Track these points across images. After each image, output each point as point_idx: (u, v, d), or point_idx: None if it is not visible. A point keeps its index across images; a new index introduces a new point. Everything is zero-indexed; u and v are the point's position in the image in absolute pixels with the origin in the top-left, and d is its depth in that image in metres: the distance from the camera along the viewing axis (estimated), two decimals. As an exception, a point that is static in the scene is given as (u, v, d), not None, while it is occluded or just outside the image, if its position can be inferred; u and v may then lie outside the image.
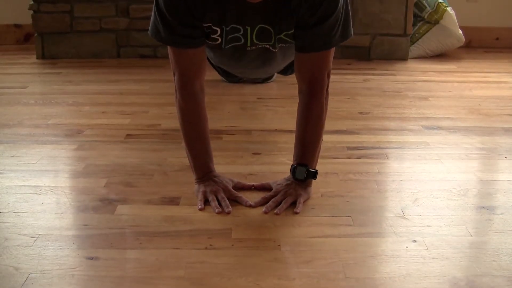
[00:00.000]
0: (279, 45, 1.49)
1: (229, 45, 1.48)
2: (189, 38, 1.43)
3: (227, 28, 1.44)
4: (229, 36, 1.46)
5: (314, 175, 1.52)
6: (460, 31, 3.55)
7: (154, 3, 1.42)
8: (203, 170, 1.54)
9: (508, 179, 1.68)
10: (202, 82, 1.53)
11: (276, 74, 2.50)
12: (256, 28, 1.44)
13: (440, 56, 3.62)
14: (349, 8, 1.46)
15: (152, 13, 1.44)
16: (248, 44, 1.48)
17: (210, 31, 1.45)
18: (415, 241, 1.30)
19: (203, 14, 1.40)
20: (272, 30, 1.45)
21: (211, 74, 2.20)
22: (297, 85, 1.56)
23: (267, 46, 1.49)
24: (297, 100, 1.58)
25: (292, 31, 1.45)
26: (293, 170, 1.52)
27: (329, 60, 1.50)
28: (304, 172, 1.50)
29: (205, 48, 1.50)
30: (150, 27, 1.47)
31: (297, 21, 1.42)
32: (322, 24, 1.40)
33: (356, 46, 3.40)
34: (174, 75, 1.51)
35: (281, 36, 1.46)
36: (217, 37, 1.46)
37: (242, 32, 1.45)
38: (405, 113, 2.37)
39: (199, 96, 1.52)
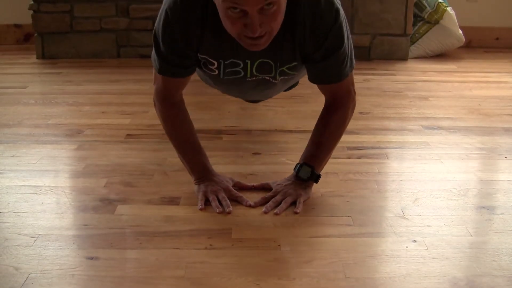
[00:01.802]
0: (281, 77, 1.49)
1: (228, 77, 1.48)
2: (179, 68, 1.44)
3: (226, 62, 1.44)
4: (228, 70, 1.46)
5: (317, 178, 1.52)
6: (460, 31, 3.55)
7: (161, 21, 1.40)
8: (200, 171, 1.54)
9: (508, 179, 1.68)
10: (182, 91, 1.54)
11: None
12: (257, 62, 1.43)
13: (440, 56, 3.62)
14: (350, 37, 1.45)
15: (154, 39, 1.44)
16: (248, 76, 1.48)
17: (206, 62, 1.45)
18: (415, 241, 1.30)
19: (199, 46, 1.40)
20: (273, 63, 1.44)
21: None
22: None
23: (268, 77, 1.49)
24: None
25: (295, 63, 1.45)
26: (298, 168, 1.52)
27: (349, 81, 1.49)
28: (308, 172, 1.50)
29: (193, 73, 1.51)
30: (152, 54, 1.47)
31: (304, 56, 1.42)
32: (330, 58, 1.40)
33: (356, 46, 3.36)
34: (155, 84, 1.52)
35: (283, 69, 1.46)
36: (215, 69, 1.46)
37: (241, 66, 1.45)
38: (405, 113, 2.37)
39: (180, 103, 1.54)
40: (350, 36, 1.44)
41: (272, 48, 1.35)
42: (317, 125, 1.55)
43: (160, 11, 1.40)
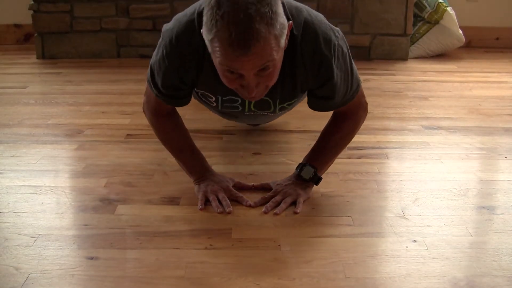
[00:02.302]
0: (280, 112, 1.51)
1: (226, 109, 1.49)
2: (173, 99, 1.45)
3: (224, 98, 1.44)
4: (226, 104, 1.47)
5: (317, 180, 1.52)
6: (460, 31, 3.55)
7: (158, 54, 1.40)
8: (199, 171, 1.55)
9: (508, 179, 1.68)
10: None
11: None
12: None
13: (440, 56, 3.62)
14: (351, 60, 1.43)
15: (150, 63, 1.45)
16: (246, 111, 1.49)
17: (205, 94, 1.46)
18: (415, 241, 1.30)
19: (196, 82, 1.41)
20: (272, 101, 1.45)
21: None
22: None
23: (266, 112, 1.51)
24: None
25: (295, 100, 1.46)
26: (301, 167, 1.52)
27: (359, 96, 1.49)
28: (311, 173, 1.50)
29: None
30: (148, 73, 1.47)
31: (308, 92, 1.43)
32: (335, 91, 1.39)
33: (356, 46, 3.40)
34: (145, 96, 1.52)
35: (283, 105, 1.47)
36: (213, 102, 1.48)
37: (240, 102, 1.46)
38: (405, 113, 2.37)
39: (171, 111, 1.54)
40: (351, 58, 1.43)
41: (272, 89, 1.34)
42: (326, 129, 1.55)
43: (158, 44, 1.40)
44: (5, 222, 1.38)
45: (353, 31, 3.41)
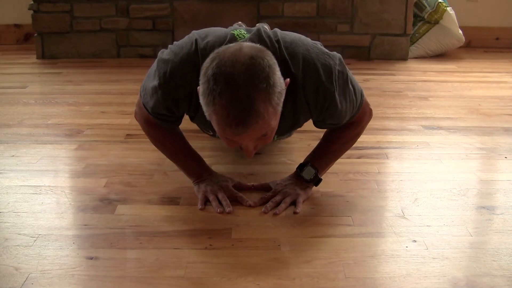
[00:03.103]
0: (275, 143, 1.52)
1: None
2: (165, 122, 1.46)
3: None
4: None
5: (317, 182, 1.52)
6: (460, 31, 3.55)
7: (152, 79, 1.39)
8: (198, 172, 1.55)
9: (508, 179, 1.68)
10: None
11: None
12: None
13: (440, 56, 3.62)
14: (351, 79, 1.42)
15: (145, 80, 1.44)
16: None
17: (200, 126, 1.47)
18: (415, 241, 1.30)
19: (191, 116, 1.42)
20: None
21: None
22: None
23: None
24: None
25: (291, 132, 1.46)
26: (302, 168, 1.52)
27: (364, 107, 1.49)
28: (312, 174, 1.50)
29: None
30: (141, 88, 1.47)
31: (313, 120, 1.43)
32: (340, 116, 1.40)
33: (356, 46, 3.40)
34: (138, 107, 1.52)
35: (280, 139, 1.47)
36: (210, 134, 1.50)
37: None
38: (405, 113, 2.37)
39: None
40: (351, 78, 1.41)
41: None
42: (330, 133, 1.55)
43: (153, 70, 1.38)
44: (5, 222, 1.38)
45: (353, 31, 3.41)
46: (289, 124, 1.41)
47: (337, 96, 1.33)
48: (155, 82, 1.35)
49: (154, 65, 1.38)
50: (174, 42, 1.39)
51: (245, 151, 1.25)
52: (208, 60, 1.17)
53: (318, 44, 1.38)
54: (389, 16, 3.42)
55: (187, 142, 1.57)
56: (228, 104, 1.12)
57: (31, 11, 3.41)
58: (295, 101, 1.33)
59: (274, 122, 1.20)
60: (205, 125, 1.44)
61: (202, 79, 1.17)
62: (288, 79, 1.24)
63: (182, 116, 1.46)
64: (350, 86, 1.39)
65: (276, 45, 1.31)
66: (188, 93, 1.33)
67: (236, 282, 1.14)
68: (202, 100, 1.18)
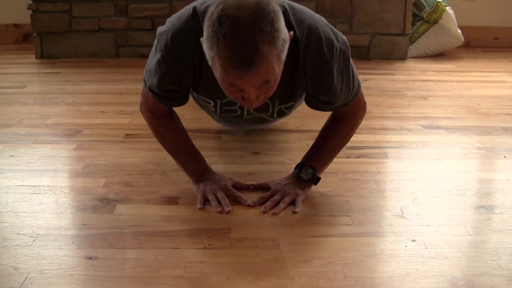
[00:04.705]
0: (278, 116, 1.50)
1: (224, 114, 1.49)
2: (170, 100, 1.45)
3: (222, 101, 1.44)
4: (224, 108, 1.46)
5: (316, 181, 1.52)
6: (459, 31, 3.55)
7: (154, 56, 1.39)
8: (198, 171, 1.55)
9: (507, 178, 1.68)
10: None
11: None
12: None
13: (439, 55, 3.62)
14: (351, 63, 1.42)
15: (147, 63, 1.44)
16: (245, 114, 1.48)
17: (203, 99, 1.45)
18: (414, 240, 1.30)
19: (193, 85, 1.40)
20: (270, 103, 1.45)
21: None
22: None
23: (264, 115, 1.50)
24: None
25: (292, 103, 1.45)
26: (300, 168, 1.52)
27: (359, 98, 1.48)
28: (310, 174, 1.50)
29: None
30: (144, 73, 1.47)
31: (307, 94, 1.42)
32: (336, 95, 1.39)
33: (355, 45, 3.40)
34: (142, 97, 1.52)
35: (281, 107, 1.47)
36: (211, 107, 1.48)
37: (238, 105, 1.45)
38: (404, 112, 2.37)
39: (169, 111, 1.53)
40: (351, 62, 1.42)
41: None
42: (325, 129, 1.55)
43: (154, 46, 1.39)
44: (4, 222, 1.38)
45: (352, 30, 3.41)
46: (287, 90, 1.40)
47: (335, 72, 1.34)
48: (158, 56, 1.35)
49: (155, 42, 1.38)
50: (172, 15, 1.39)
51: (247, 101, 1.22)
52: (213, 6, 1.16)
53: (326, 20, 1.39)
54: (388, 16, 3.42)
55: (190, 140, 1.56)
56: (232, 44, 1.11)
57: (30, 11, 3.40)
58: (294, 66, 1.33)
59: (278, 69, 1.19)
60: (207, 93, 1.42)
61: (206, 24, 1.16)
62: (291, 32, 1.24)
63: (189, 90, 1.44)
64: (350, 70, 1.40)
65: (283, 9, 1.29)
66: (192, 59, 1.32)
67: (235, 281, 1.14)
68: (205, 45, 1.17)
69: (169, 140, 1.57)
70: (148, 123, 1.57)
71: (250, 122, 1.57)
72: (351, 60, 1.41)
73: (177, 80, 1.37)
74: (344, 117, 1.51)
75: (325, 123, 1.56)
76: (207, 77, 1.33)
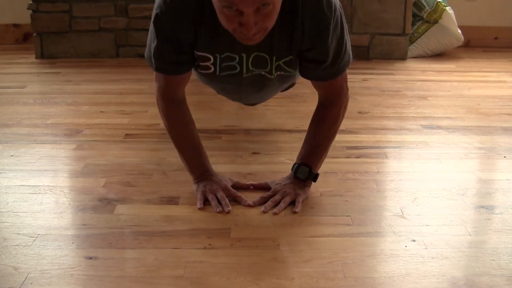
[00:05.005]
0: (277, 73, 1.48)
1: (224, 73, 1.48)
2: (174, 65, 1.44)
3: (222, 56, 1.43)
4: (224, 64, 1.45)
5: (315, 177, 1.52)
6: (459, 31, 3.55)
7: (151, 25, 1.41)
8: (199, 170, 1.55)
9: (507, 178, 1.68)
10: (183, 89, 1.54)
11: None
12: (252, 55, 1.43)
13: (439, 55, 3.62)
14: (347, 32, 1.45)
15: (148, 37, 1.45)
16: (244, 71, 1.47)
17: (202, 58, 1.45)
18: (414, 240, 1.30)
19: (194, 41, 1.40)
20: (268, 57, 1.44)
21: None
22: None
23: (263, 72, 1.48)
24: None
25: (291, 57, 1.44)
26: (296, 168, 1.52)
27: (343, 77, 1.49)
28: (306, 172, 1.50)
29: (191, 71, 1.50)
30: (146, 52, 1.48)
31: (300, 52, 1.42)
32: (327, 56, 1.40)
33: (355, 45, 3.39)
34: (156, 82, 1.52)
35: (279, 63, 1.46)
36: (210, 65, 1.46)
37: (237, 60, 1.44)
38: (404, 112, 2.37)
39: (182, 101, 1.53)
40: (347, 31, 1.45)
41: (268, 42, 1.36)
42: (311, 124, 1.55)
43: (155, 5, 1.40)
44: (4, 222, 1.38)
45: (352, 30, 3.41)
46: (283, 43, 1.39)
47: (331, 28, 1.36)
48: (156, 13, 1.36)
49: (154, 6, 1.39)
50: None
51: (245, 27, 1.22)
52: None
53: None
54: (388, 16, 3.42)
55: (199, 137, 1.56)
56: None
57: (30, 11, 3.40)
58: (293, 14, 1.34)
59: None
60: (207, 46, 1.41)
61: None
62: None
63: (191, 58, 1.44)
64: (344, 35, 1.42)
65: None
66: (192, 7, 1.33)
67: (235, 281, 1.14)
68: None
69: (180, 132, 1.55)
70: (162, 113, 1.55)
71: (249, 84, 1.53)
72: (347, 32, 1.42)
73: (177, 37, 1.37)
74: (328, 104, 1.51)
75: (311, 119, 1.56)
76: (208, 27, 1.33)
